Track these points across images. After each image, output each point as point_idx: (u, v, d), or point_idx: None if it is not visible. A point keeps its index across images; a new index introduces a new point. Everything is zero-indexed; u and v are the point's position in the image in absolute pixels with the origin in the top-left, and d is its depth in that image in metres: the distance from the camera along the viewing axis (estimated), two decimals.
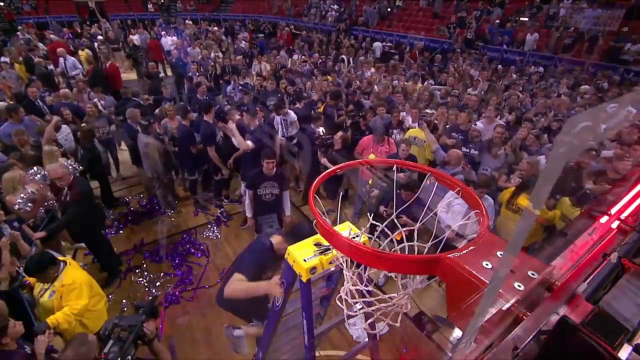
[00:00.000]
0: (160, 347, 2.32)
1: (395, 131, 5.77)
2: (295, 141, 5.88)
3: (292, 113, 5.99)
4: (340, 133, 5.23)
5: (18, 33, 14.31)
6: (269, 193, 4.23)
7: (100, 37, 13.08)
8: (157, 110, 6.33)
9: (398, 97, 6.97)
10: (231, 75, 8.60)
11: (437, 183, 1.53)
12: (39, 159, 4.54)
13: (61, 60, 9.21)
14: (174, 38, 12.49)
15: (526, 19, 13.72)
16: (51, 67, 9.54)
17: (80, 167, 4.44)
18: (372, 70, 9.52)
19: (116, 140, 6.48)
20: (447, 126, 5.75)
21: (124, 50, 13.34)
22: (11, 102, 6.24)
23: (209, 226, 5.56)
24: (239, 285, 2.46)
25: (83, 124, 5.76)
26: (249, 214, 4.35)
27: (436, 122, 5.65)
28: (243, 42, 13.06)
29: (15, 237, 3.32)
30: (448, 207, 3.65)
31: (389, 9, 17.57)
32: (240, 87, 7.89)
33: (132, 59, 12.38)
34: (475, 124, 5.66)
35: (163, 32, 14.14)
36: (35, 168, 3.96)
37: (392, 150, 5.11)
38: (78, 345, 2.04)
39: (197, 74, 8.47)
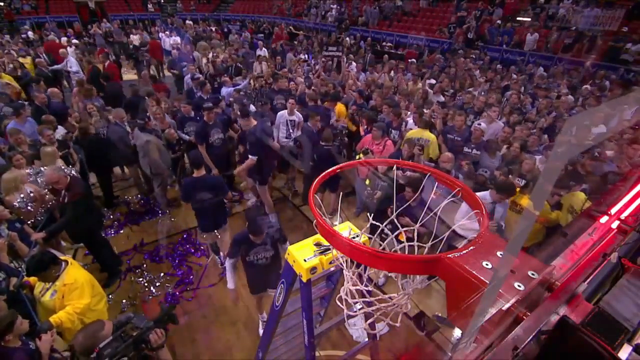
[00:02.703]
0: (167, 357, 2.24)
1: (394, 131, 5.77)
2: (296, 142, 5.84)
3: (299, 114, 5.79)
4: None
5: (28, 32, 14.38)
6: (262, 257, 3.33)
7: (75, 41, 12.58)
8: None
9: (400, 98, 6.96)
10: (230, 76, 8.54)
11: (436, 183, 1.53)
12: (36, 158, 4.53)
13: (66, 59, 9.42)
14: (177, 39, 12.43)
15: (526, 19, 13.71)
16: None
17: (78, 168, 4.43)
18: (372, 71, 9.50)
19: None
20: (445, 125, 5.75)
21: (124, 51, 13.31)
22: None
23: None
24: None
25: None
26: (230, 285, 3.34)
27: (433, 120, 5.63)
28: (264, 49, 12.14)
29: (12, 237, 3.31)
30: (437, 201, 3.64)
31: (395, 10, 17.49)
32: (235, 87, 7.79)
33: (132, 59, 12.37)
34: (479, 124, 5.65)
35: (162, 33, 14.10)
36: (35, 167, 3.95)
37: (387, 152, 5.03)
38: (91, 334, 2.05)
39: (194, 75, 8.40)
